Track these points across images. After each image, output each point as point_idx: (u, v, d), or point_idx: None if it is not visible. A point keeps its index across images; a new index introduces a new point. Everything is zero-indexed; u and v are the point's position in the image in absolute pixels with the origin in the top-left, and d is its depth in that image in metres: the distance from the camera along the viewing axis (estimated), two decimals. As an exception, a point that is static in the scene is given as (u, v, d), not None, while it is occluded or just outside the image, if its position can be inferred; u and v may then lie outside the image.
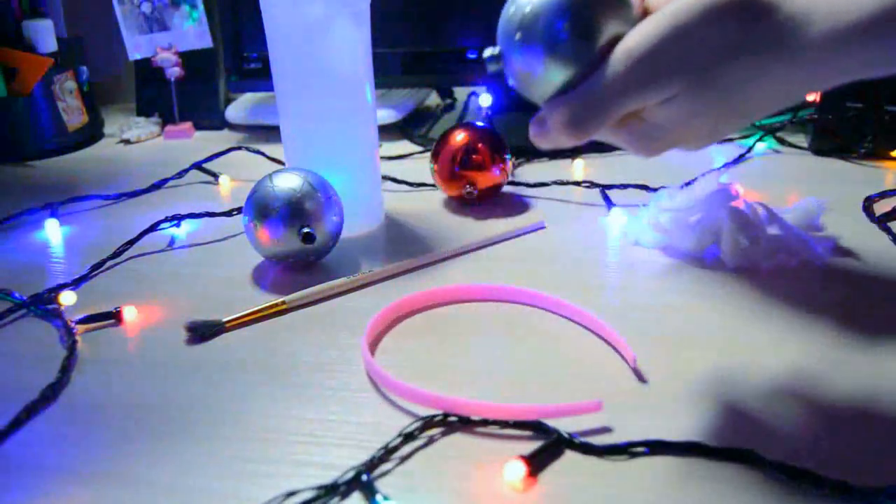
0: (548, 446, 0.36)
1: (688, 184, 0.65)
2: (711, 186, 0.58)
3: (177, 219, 0.65)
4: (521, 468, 0.34)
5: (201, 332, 0.48)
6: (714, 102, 0.35)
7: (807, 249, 0.52)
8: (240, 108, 0.95)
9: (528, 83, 0.38)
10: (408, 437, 0.37)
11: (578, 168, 0.76)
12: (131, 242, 0.61)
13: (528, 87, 0.38)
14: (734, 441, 0.36)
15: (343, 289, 0.53)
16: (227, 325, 0.49)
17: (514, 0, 0.38)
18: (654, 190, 0.66)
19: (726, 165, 0.74)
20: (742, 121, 0.37)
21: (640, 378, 0.42)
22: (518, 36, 0.37)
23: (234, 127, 0.95)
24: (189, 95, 0.95)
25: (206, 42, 0.92)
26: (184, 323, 0.48)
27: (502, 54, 0.38)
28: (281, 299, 0.50)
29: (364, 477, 0.34)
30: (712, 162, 0.76)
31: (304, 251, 0.54)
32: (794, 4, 0.33)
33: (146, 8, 0.91)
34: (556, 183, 0.70)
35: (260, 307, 0.50)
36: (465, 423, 0.38)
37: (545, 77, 0.37)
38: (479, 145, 0.64)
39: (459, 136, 0.65)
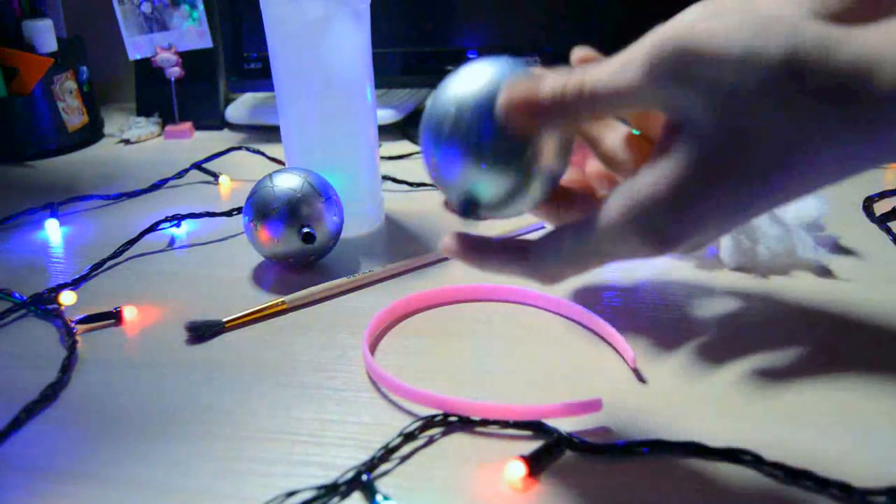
0: (548, 446, 0.36)
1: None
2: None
3: (177, 219, 0.65)
4: (521, 468, 0.34)
5: (201, 332, 0.48)
6: (764, 196, 0.29)
7: (807, 249, 0.52)
8: (240, 108, 0.95)
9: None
10: (408, 437, 0.37)
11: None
12: (131, 242, 0.61)
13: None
14: (734, 441, 0.36)
15: (343, 289, 0.53)
16: (227, 325, 0.49)
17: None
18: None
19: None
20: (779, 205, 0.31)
21: (640, 378, 0.42)
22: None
23: (234, 127, 0.95)
24: (189, 95, 0.95)
25: (206, 42, 0.92)
26: (184, 323, 0.48)
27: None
28: (281, 299, 0.50)
29: (364, 477, 0.34)
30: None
31: (304, 251, 0.54)
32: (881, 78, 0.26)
33: (146, 8, 0.91)
34: (556, 183, 0.70)
35: (260, 307, 0.50)
36: (465, 423, 0.38)
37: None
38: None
39: (459, 136, 0.65)
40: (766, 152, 0.27)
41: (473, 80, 0.31)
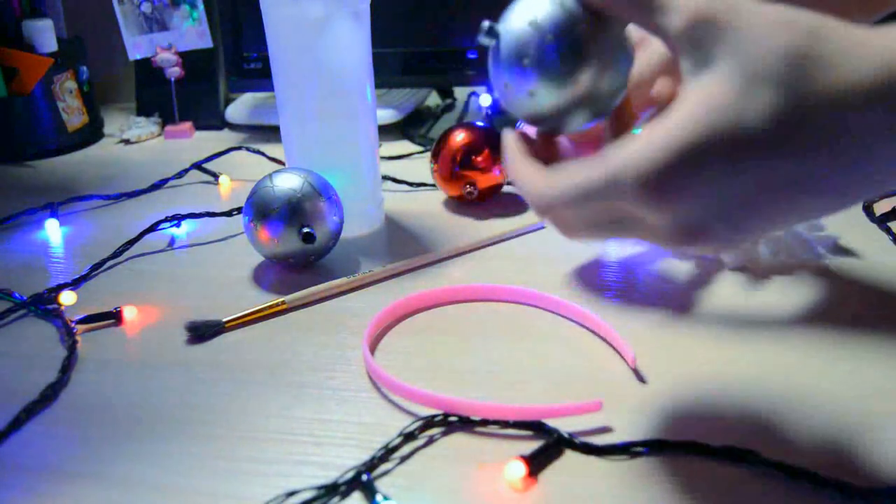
0: (548, 446, 0.36)
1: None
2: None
3: (177, 219, 0.65)
4: (521, 468, 0.34)
5: (201, 332, 0.48)
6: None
7: (807, 249, 0.52)
8: (240, 108, 0.95)
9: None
10: (408, 437, 0.37)
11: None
12: (131, 242, 0.61)
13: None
14: (734, 441, 0.36)
15: (343, 289, 0.53)
16: (227, 325, 0.49)
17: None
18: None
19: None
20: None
21: (640, 378, 0.42)
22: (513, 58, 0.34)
23: (234, 127, 0.95)
24: (189, 95, 0.95)
25: (206, 42, 0.92)
26: (184, 323, 0.48)
27: (498, 36, 0.35)
28: (281, 299, 0.50)
29: (364, 477, 0.34)
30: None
31: (304, 251, 0.54)
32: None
33: (146, 8, 0.91)
34: (556, 183, 0.70)
35: (260, 307, 0.50)
36: (465, 423, 0.38)
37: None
38: (480, 145, 0.64)
39: (459, 136, 0.65)
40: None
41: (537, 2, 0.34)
